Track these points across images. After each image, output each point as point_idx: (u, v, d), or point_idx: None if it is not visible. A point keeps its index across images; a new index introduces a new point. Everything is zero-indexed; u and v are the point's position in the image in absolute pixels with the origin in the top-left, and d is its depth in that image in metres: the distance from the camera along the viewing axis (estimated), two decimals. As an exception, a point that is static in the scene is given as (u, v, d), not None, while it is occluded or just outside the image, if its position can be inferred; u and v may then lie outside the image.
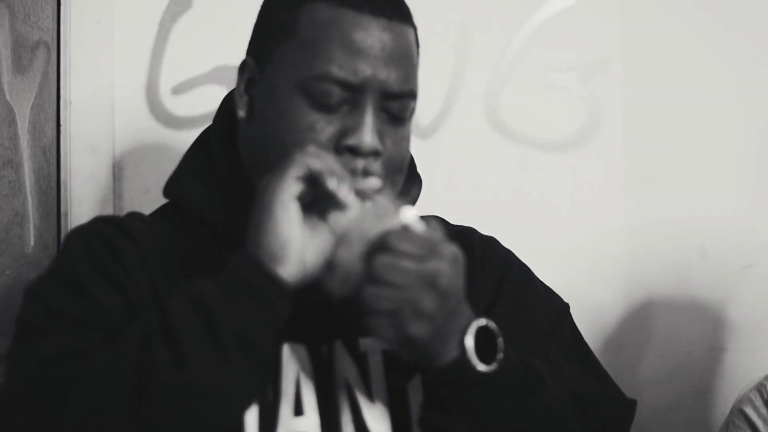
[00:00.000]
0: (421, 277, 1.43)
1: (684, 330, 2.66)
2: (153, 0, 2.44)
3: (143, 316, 1.45)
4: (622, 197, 2.65)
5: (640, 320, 2.65)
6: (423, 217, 1.50)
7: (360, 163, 1.58)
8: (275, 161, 1.52)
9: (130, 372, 1.38)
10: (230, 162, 1.71)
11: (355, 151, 1.58)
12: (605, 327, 2.62)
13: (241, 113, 1.69)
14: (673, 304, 2.65)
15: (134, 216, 1.76)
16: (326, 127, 1.58)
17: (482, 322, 1.51)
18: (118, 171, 2.41)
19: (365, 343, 1.67)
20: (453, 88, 2.59)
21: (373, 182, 1.54)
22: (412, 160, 1.75)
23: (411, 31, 1.67)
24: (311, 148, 1.47)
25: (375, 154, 1.59)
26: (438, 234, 1.48)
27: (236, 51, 2.34)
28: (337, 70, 1.58)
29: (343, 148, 1.58)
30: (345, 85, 1.58)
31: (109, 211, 2.34)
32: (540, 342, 1.74)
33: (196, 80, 2.45)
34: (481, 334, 1.51)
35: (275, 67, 1.64)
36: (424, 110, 2.54)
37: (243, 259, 1.43)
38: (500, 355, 1.52)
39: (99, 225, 1.67)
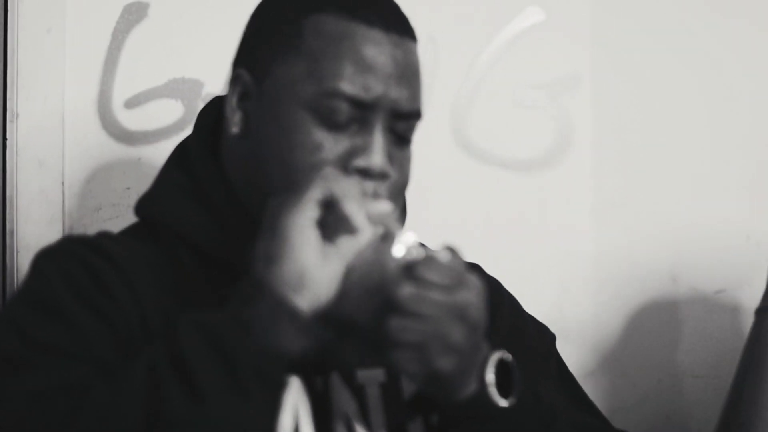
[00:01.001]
0: (451, 309, 1.36)
1: (654, 356, 2.61)
2: (106, 9, 2.35)
3: (146, 349, 1.35)
4: (591, 219, 2.59)
5: (610, 346, 2.59)
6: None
7: (370, 186, 1.51)
8: (277, 181, 1.48)
9: (138, 409, 1.29)
10: (215, 179, 1.62)
11: (364, 173, 1.51)
12: (573, 353, 2.52)
13: (235, 129, 1.60)
14: (644, 330, 2.60)
15: (106, 237, 1.66)
16: (334, 147, 1.51)
17: (501, 354, 1.46)
18: (67, 188, 2.31)
19: (363, 375, 1.60)
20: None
21: (386, 206, 1.45)
22: None
23: (417, 47, 1.62)
24: (329, 170, 1.41)
25: (384, 176, 1.53)
26: (461, 263, 1.41)
27: (193, 63, 2.32)
28: (347, 87, 1.51)
29: (352, 169, 1.51)
30: (355, 102, 1.51)
31: (57, 230, 2.24)
32: (531, 372, 1.66)
33: (150, 93, 2.36)
34: (499, 368, 1.46)
35: (276, 81, 1.56)
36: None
37: (257, 288, 1.34)
38: (519, 389, 1.47)
39: (72, 245, 1.57)
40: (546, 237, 2.58)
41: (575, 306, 2.59)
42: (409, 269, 1.36)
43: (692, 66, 2.63)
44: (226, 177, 1.62)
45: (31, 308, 1.47)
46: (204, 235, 1.59)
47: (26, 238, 2.22)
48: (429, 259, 1.37)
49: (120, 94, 2.35)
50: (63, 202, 2.30)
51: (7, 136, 2.27)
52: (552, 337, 1.86)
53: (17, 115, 2.27)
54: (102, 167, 2.33)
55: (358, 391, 1.58)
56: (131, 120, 2.36)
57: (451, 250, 1.40)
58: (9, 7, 2.26)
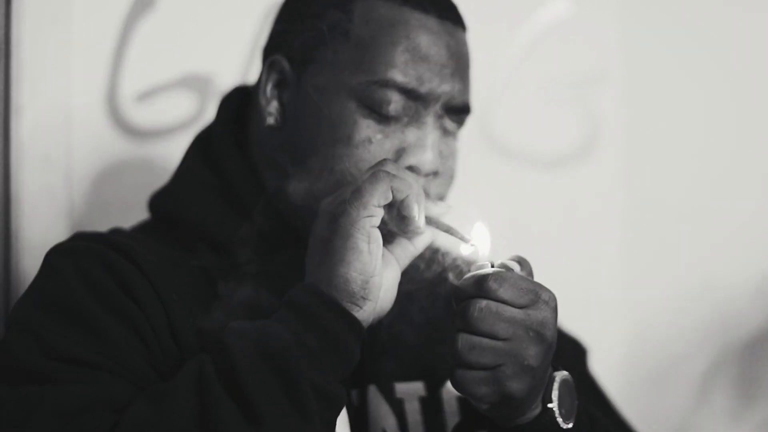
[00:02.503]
0: (528, 329, 1.28)
1: (685, 362, 2.57)
2: (114, -2, 2.27)
3: (189, 364, 1.27)
4: (619, 219, 2.57)
5: (640, 348, 2.56)
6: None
7: (420, 182, 1.44)
8: (319, 177, 1.42)
9: (191, 429, 1.22)
10: (244, 175, 1.55)
11: (414, 170, 1.45)
12: (602, 356, 2.47)
13: (270, 120, 1.53)
14: (674, 336, 2.56)
15: (120, 233, 1.58)
16: (384, 142, 1.45)
17: (564, 375, 1.38)
18: (74, 185, 2.23)
19: (402, 388, 1.53)
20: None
21: (446, 208, 1.39)
22: None
23: (467, 38, 1.56)
24: (391, 167, 1.31)
25: (434, 174, 1.48)
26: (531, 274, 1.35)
27: (206, 56, 2.24)
28: (400, 77, 1.45)
29: (402, 166, 1.44)
30: (408, 93, 1.45)
31: (63, 229, 2.17)
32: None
33: (161, 87, 2.28)
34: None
35: (320, 68, 1.49)
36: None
37: (315, 298, 1.27)
38: (578, 411, 1.40)
39: (87, 242, 1.48)
40: (571, 237, 2.54)
41: (603, 307, 2.55)
42: (480, 283, 1.28)
43: (723, 61, 2.59)
44: (255, 171, 1.55)
45: (47, 312, 1.38)
46: (230, 235, 1.51)
47: (31, 237, 2.14)
48: (502, 273, 1.30)
49: (129, 87, 2.27)
50: (69, 200, 2.22)
51: (11, 132, 2.18)
52: (584, 352, 1.81)
53: (22, 109, 2.19)
54: (110, 164, 2.25)
55: (397, 406, 1.52)
56: (141, 115, 2.28)
57: (521, 261, 1.34)
58: (13, -3, 2.20)
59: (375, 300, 1.28)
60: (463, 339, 1.27)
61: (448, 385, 1.55)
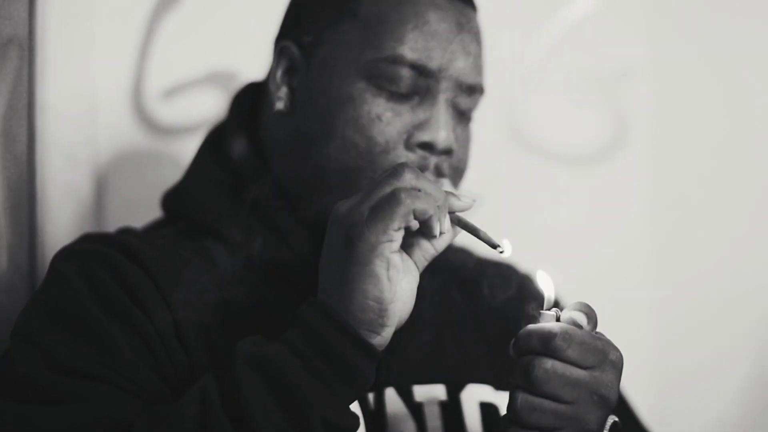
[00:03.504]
0: (593, 392, 1.24)
1: (716, 360, 2.54)
2: (138, -8, 2.26)
3: (195, 386, 1.24)
4: (647, 217, 2.54)
5: (667, 347, 2.53)
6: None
7: (432, 161, 1.43)
8: (330, 161, 1.40)
9: None
10: (257, 171, 1.53)
11: (428, 147, 1.43)
12: (628, 357, 2.45)
13: (279, 105, 1.50)
14: (704, 333, 2.53)
15: (129, 233, 1.55)
16: (395, 119, 1.42)
17: (614, 419, 1.32)
18: (99, 183, 2.22)
19: (421, 391, 1.49)
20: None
21: (468, 201, 1.32)
22: None
23: (477, 18, 1.53)
24: (410, 177, 1.25)
25: (448, 152, 1.44)
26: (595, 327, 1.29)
27: (233, 50, 2.22)
28: (410, 53, 1.42)
29: (414, 144, 1.42)
30: (419, 70, 1.43)
31: (88, 227, 2.15)
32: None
33: (188, 84, 2.27)
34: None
35: (329, 50, 1.47)
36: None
37: (332, 326, 1.22)
38: None
39: (93, 244, 1.45)
40: (600, 234, 2.52)
41: (630, 307, 2.51)
42: (547, 341, 1.23)
43: (750, 58, 2.56)
44: (268, 165, 1.53)
45: (52, 321, 1.35)
46: (245, 234, 1.49)
47: (56, 236, 2.11)
48: (570, 332, 1.24)
49: (155, 84, 2.26)
50: (95, 198, 2.21)
51: (36, 129, 2.17)
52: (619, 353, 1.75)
53: (47, 106, 2.17)
54: (135, 161, 2.24)
55: (416, 410, 1.48)
56: (167, 112, 2.27)
57: (588, 312, 1.29)
58: (35, -11, 2.18)
59: (393, 324, 1.23)
60: (523, 399, 1.23)
61: (469, 388, 1.53)
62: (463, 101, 1.48)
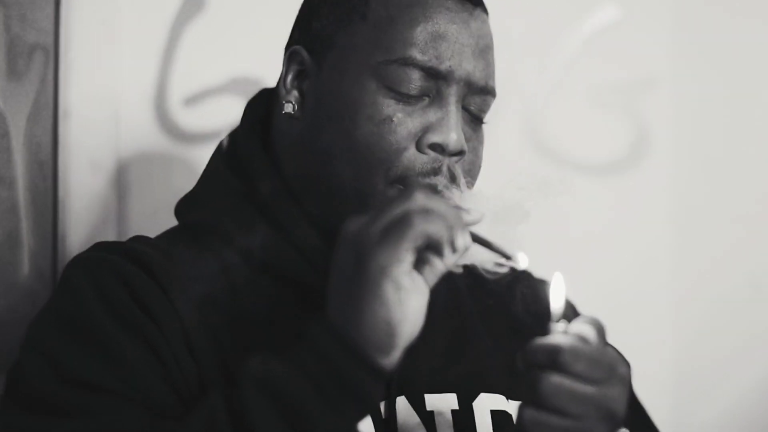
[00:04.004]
0: (600, 407, 1.24)
1: (734, 367, 2.55)
2: (163, 0, 2.26)
3: (204, 404, 1.24)
4: (669, 226, 2.53)
5: (689, 359, 2.52)
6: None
7: (444, 163, 1.42)
8: (340, 162, 1.39)
9: None
10: (269, 178, 1.51)
11: (439, 149, 1.42)
12: (650, 365, 2.45)
13: (289, 108, 1.50)
14: (725, 341, 2.53)
15: (142, 241, 1.54)
16: (406, 120, 1.41)
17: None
18: (122, 190, 2.22)
19: (433, 400, 1.48)
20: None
21: (478, 215, 1.33)
22: None
23: (489, 21, 1.53)
24: (420, 196, 1.24)
25: (460, 153, 1.44)
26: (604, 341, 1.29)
27: (256, 57, 2.22)
28: (420, 55, 1.42)
29: (425, 145, 1.41)
30: (428, 71, 1.42)
31: (111, 234, 2.15)
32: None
33: (210, 91, 2.27)
34: None
35: (339, 53, 1.47)
36: (459, 128, 2.40)
37: (335, 342, 1.21)
38: None
39: (104, 254, 1.45)
40: (622, 243, 2.51)
41: (652, 315, 2.52)
42: (554, 356, 1.23)
43: None
44: (281, 173, 1.52)
45: (62, 332, 1.35)
46: (256, 240, 1.48)
47: (78, 243, 2.12)
48: (578, 347, 1.24)
49: (177, 91, 2.26)
50: (117, 205, 2.22)
51: (59, 135, 2.17)
52: (627, 366, 1.74)
53: (70, 113, 2.18)
54: (159, 168, 2.25)
55: (428, 419, 1.47)
56: (189, 119, 2.27)
57: (596, 324, 1.28)
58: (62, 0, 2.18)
59: (402, 345, 1.22)
60: (530, 413, 1.22)
61: (482, 397, 1.52)
62: (475, 103, 1.48)
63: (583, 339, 1.25)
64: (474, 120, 1.50)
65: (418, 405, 1.47)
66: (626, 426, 1.58)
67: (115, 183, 2.20)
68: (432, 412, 1.48)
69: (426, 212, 1.22)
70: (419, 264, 1.25)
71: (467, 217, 1.30)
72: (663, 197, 2.52)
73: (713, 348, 2.51)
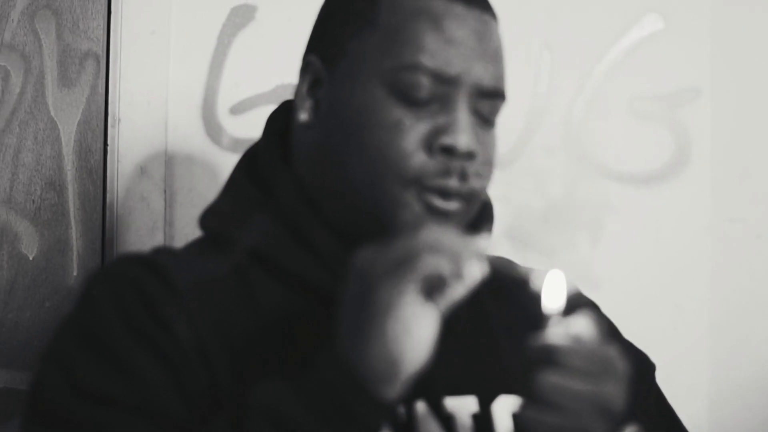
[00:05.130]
0: (594, 402, 1.24)
1: None
2: (212, 11, 2.28)
3: (210, 426, 1.26)
4: (708, 237, 2.49)
5: (727, 371, 2.48)
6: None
7: (457, 165, 1.41)
8: (352, 167, 1.40)
9: None
10: (290, 188, 1.52)
11: (450, 152, 1.41)
12: (687, 376, 2.45)
13: (304, 117, 1.51)
14: (763, 353, 2.48)
15: (165, 252, 1.54)
16: (416, 125, 1.41)
17: (633, 429, 1.33)
18: (169, 196, 2.25)
19: (452, 403, 1.48)
20: (532, 115, 2.45)
21: (486, 240, 1.29)
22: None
23: (498, 25, 1.52)
24: (430, 230, 1.25)
25: (470, 156, 1.42)
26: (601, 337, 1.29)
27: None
28: (429, 60, 1.41)
29: (437, 148, 1.41)
30: (437, 77, 1.41)
31: (158, 239, 2.18)
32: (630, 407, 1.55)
33: (256, 99, 2.29)
34: None
35: (350, 61, 1.47)
36: (501, 137, 2.35)
37: (339, 373, 1.22)
38: None
39: (126, 267, 1.44)
40: (661, 255, 2.48)
41: (690, 327, 2.49)
42: (550, 352, 1.24)
43: None
44: (301, 183, 1.52)
45: (80, 345, 1.35)
46: (279, 252, 1.48)
47: (127, 247, 2.16)
48: (574, 344, 1.25)
49: (225, 99, 2.29)
50: (165, 210, 2.24)
51: (109, 142, 2.20)
52: (651, 367, 1.75)
53: (119, 119, 2.21)
54: (206, 175, 2.27)
55: (447, 422, 1.47)
56: (236, 127, 2.29)
57: (595, 317, 1.28)
58: (112, 8, 2.21)
59: (407, 376, 1.22)
60: (525, 410, 1.24)
61: (501, 400, 1.52)
62: (484, 106, 1.47)
63: (578, 335, 1.26)
64: (485, 123, 1.48)
65: (437, 408, 1.47)
66: (649, 424, 1.61)
67: (162, 189, 2.23)
68: (452, 415, 1.48)
69: (433, 247, 1.22)
70: (430, 293, 1.24)
71: (480, 244, 1.28)
72: (703, 208, 2.49)
73: (751, 360, 2.48)
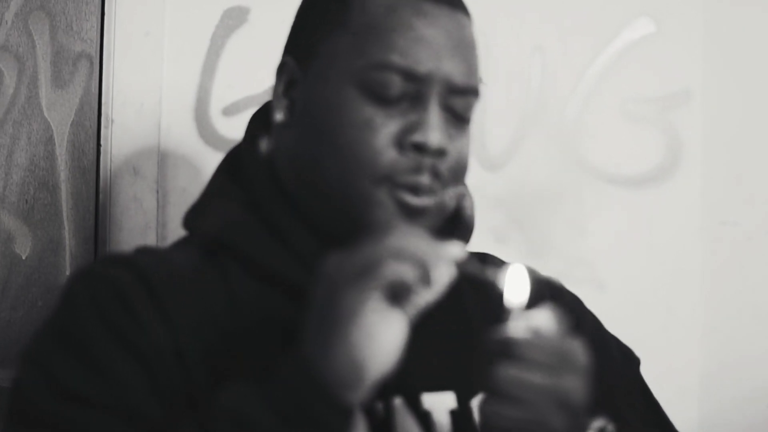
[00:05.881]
0: (552, 395, 1.24)
1: (765, 382, 2.51)
2: (206, 12, 2.29)
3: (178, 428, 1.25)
4: (700, 239, 2.51)
5: (719, 373, 2.49)
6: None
7: (428, 162, 1.41)
8: (326, 166, 1.40)
9: None
10: (269, 187, 1.52)
11: (420, 149, 1.41)
12: (678, 377, 2.47)
13: (279, 116, 1.52)
14: (757, 357, 2.50)
15: (146, 252, 1.53)
16: (386, 123, 1.41)
17: (601, 425, 1.35)
18: (162, 196, 2.25)
19: (430, 399, 1.48)
20: (525, 117, 2.45)
21: (459, 248, 1.29)
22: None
23: (471, 23, 1.52)
24: (396, 235, 1.25)
25: (441, 152, 1.43)
26: (561, 334, 1.29)
27: None
28: (398, 59, 1.42)
29: (408, 145, 1.41)
30: (407, 75, 1.42)
31: (151, 239, 2.18)
32: (611, 399, 1.55)
33: (249, 100, 2.29)
34: None
35: (323, 61, 1.48)
36: (494, 139, 2.41)
37: (303, 377, 1.22)
38: None
39: (106, 268, 1.44)
40: (653, 257, 2.50)
41: (682, 328, 2.50)
42: (507, 346, 1.24)
43: None
44: (279, 180, 1.53)
45: (58, 345, 1.35)
46: (256, 248, 1.48)
47: (119, 247, 2.15)
48: (532, 338, 1.25)
49: (218, 101, 2.29)
50: (157, 211, 2.24)
51: (102, 142, 2.21)
52: (637, 361, 1.75)
53: (112, 120, 2.21)
54: (198, 176, 2.27)
55: (425, 418, 1.47)
56: (229, 128, 2.30)
57: (555, 308, 1.28)
58: (106, 10, 2.22)
59: (371, 381, 1.22)
60: (485, 403, 1.24)
61: (481, 396, 1.52)
62: (457, 103, 1.47)
63: (538, 328, 1.26)
64: (459, 121, 1.48)
65: (414, 405, 1.47)
66: (635, 418, 1.61)
67: (155, 189, 2.23)
68: (429, 411, 1.48)
69: (397, 253, 1.22)
70: (397, 298, 1.23)
71: (450, 250, 1.28)
72: (695, 210, 2.52)
73: (743, 360, 2.49)
